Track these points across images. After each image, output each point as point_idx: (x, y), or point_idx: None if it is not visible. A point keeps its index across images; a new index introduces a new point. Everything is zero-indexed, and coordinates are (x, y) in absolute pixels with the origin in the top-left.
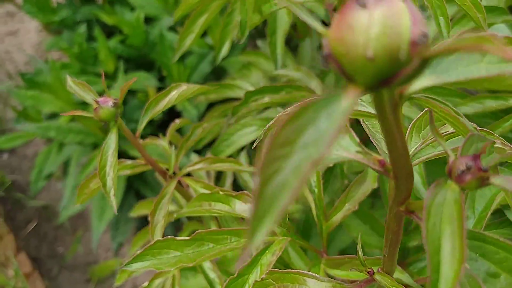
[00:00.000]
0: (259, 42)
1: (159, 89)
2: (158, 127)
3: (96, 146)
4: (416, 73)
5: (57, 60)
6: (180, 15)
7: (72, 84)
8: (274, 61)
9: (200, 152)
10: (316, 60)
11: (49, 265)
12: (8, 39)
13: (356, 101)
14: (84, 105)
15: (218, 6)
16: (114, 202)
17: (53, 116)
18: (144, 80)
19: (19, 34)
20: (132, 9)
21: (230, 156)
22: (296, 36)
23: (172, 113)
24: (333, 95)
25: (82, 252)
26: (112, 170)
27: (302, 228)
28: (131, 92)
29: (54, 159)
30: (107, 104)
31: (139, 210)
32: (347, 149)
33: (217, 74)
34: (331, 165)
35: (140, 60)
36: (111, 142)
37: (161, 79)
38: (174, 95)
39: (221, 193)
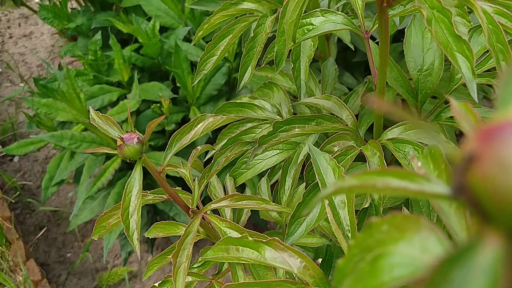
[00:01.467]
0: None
1: (173, 100)
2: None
3: (109, 156)
4: None
5: (69, 65)
6: (201, 35)
7: (96, 117)
8: (298, 88)
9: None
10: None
11: (57, 271)
12: (22, 42)
13: (502, 253)
14: None
15: (241, 29)
16: (137, 246)
17: (65, 123)
18: (158, 90)
19: (33, 36)
20: (148, 18)
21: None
22: (317, 55)
23: (185, 122)
24: (466, 247)
25: (90, 258)
26: (136, 212)
27: None
28: (145, 101)
29: (65, 166)
30: (132, 142)
31: (154, 231)
32: None
33: (231, 85)
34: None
35: (155, 70)
36: (135, 181)
37: (175, 89)
38: (199, 128)
39: (250, 238)
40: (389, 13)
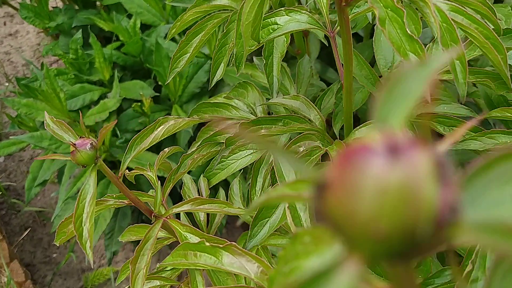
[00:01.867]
0: (256, 60)
1: (156, 98)
2: None
3: None
4: (439, 247)
5: (54, 64)
6: (175, 33)
7: (50, 122)
8: (270, 85)
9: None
10: (315, 78)
11: (43, 272)
12: (7, 41)
13: (360, 275)
14: (77, 112)
15: (213, 26)
16: (90, 255)
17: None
18: (139, 89)
19: (18, 35)
20: (130, 15)
21: (225, 180)
22: (294, 51)
23: None
24: (329, 265)
25: (74, 259)
26: (89, 220)
27: None
28: (127, 100)
29: (48, 166)
30: (85, 148)
31: (128, 235)
32: None
33: (215, 83)
34: None
35: (137, 68)
36: (89, 188)
37: (158, 87)
38: (160, 131)
39: (207, 243)
40: (353, 12)
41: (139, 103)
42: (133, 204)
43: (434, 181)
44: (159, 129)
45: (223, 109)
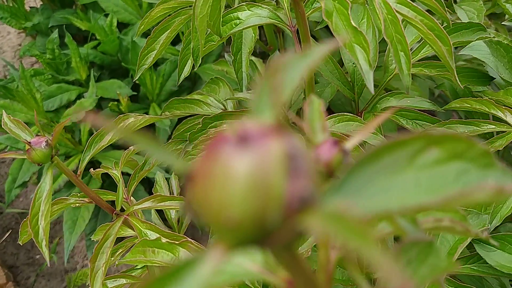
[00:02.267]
0: (227, 56)
1: (132, 97)
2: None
3: (67, 156)
4: (295, 237)
5: (35, 64)
6: (143, 30)
7: (7, 120)
8: (239, 81)
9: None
10: None
11: (26, 273)
12: None
13: (223, 263)
14: (55, 112)
15: (180, 23)
16: (46, 254)
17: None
18: (117, 88)
19: None
20: (107, 14)
21: None
22: (267, 48)
23: None
24: (195, 258)
25: (55, 260)
26: (44, 219)
27: None
28: (106, 100)
29: (28, 168)
30: (40, 146)
31: (100, 234)
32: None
33: (193, 80)
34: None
35: (115, 67)
36: (45, 185)
37: (136, 86)
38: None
39: (163, 240)
40: (313, 7)
41: (116, 102)
42: (93, 201)
43: (283, 172)
44: (118, 126)
45: (194, 105)
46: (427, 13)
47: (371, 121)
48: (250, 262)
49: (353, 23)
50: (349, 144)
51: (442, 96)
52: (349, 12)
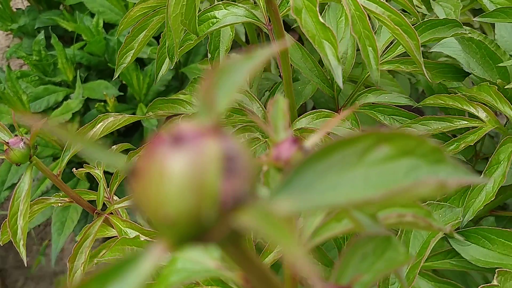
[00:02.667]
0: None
1: (120, 98)
2: (120, 135)
3: (55, 158)
4: (235, 234)
5: (24, 66)
6: (122, 29)
7: None
8: None
9: None
10: (272, 72)
11: (15, 276)
12: None
13: (162, 259)
14: (43, 114)
15: (159, 21)
16: (23, 254)
17: (11, 126)
18: (104, 88)
19: None
20: (93, 15)
21: None
22: (248, 47)
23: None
24: (137, 255)
25: (43, 262)
26: (23, 219)
27: None
28: (92, 101)
29: (16, 170)
30: (18, 146)
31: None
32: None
33: (180, 80)
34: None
35: (102, 67)
36: (24, 185)
37: (124, 87)
38: (99, 128)
39: (142, 238)
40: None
41: (103, 103)
42: (74, 201)
43: (218, 171)
44: (98, 126)
45: (178, 105)
46: (394, 8)
47: (336, 118)
48: (209, 259)
49: (321, 20)
50: (310, 142)
51: (421, 94)
52: (317, 9)
